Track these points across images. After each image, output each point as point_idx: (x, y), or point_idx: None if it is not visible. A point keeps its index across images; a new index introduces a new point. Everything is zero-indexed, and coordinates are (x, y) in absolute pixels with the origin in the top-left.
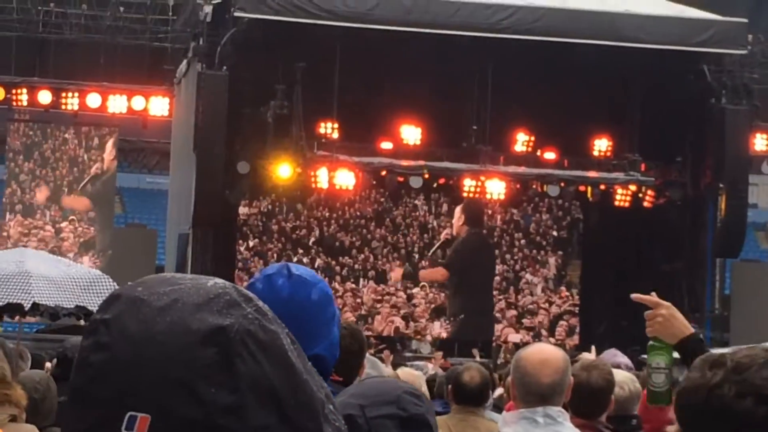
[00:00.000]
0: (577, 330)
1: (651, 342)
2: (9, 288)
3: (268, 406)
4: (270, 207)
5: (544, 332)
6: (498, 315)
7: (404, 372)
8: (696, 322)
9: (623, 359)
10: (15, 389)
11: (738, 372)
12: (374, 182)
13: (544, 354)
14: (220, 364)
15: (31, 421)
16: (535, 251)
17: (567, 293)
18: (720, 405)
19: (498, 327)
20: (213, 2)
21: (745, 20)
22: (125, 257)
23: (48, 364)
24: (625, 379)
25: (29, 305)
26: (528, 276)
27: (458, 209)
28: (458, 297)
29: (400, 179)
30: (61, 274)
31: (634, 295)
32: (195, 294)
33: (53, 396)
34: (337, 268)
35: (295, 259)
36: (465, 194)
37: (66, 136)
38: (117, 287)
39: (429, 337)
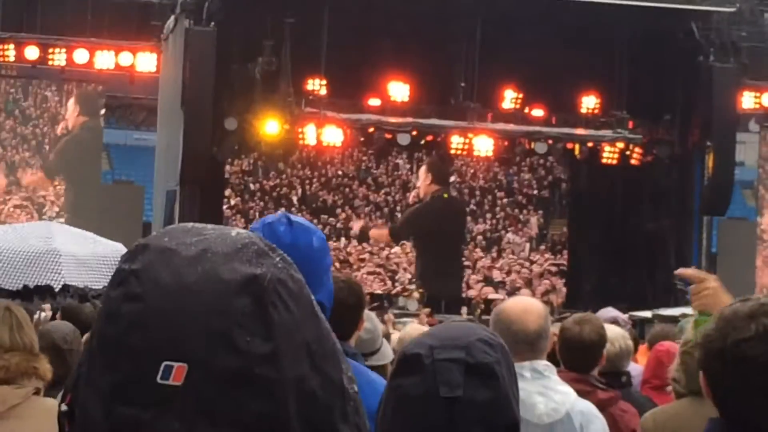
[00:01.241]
0: (564, 288)
1: (698, 317)
2: (39, 268)
3: (300, 354)
4: (252, 165)
5: (525, 291)
6: (478, 274)
7: (410, 328)
8: (683, 279)
9: (618, 313)
10: (42, 362)
11: (765, 313)
12: (362, 139)
13: (525, 303)
14: (255, 313)
15: (59, 372)
16: (517, 210)
17: (549, 252)
18: (746, 352)
19: (478, 285)
20: None
21: None
22: (113, 214)
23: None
24: (616, 335)
25: (59, 287)
26: (510, 235)
27: (423, 169)
28: (423, 260)
29: (388, 136)
30: (89, 253)
31: (678, 271)
32: (222, 244)
33: (80, 348)
34: (320, 227)
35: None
36: (453, 151)
37: (47, 93)
38: None
39: (416, 294)
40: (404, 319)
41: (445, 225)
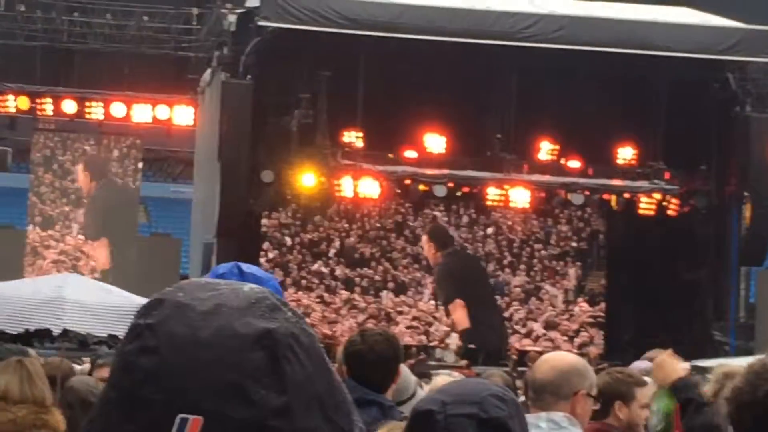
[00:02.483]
0: (602, 339)
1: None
2: (41, 313)
3: (313, 407)
4: (290, 217)
5: (563, 343)
6: (518, 326)
7: (441, 379)
8: (721, 330)
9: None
10: (53, 414)
11: None
12: (398, 191)
13: (550, 355)
14: (269, 367)
15: None
16: (554, 262)
17: (587, 303)
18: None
19: (517, 337)
20: (237, 11)
21: None
22: (150, 266)
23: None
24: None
25: (59, 331)
26: (548, 287)
27: (424, 239)
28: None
29: (424, 188)
30: (98, 301)
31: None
32: (236, 298)
33: None
34: (357, 279)
35: (314, 268)
36: (489, 203)
37: (86, 147)
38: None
39: (453, 347)
40: (442, 371)
41: (470, 277)
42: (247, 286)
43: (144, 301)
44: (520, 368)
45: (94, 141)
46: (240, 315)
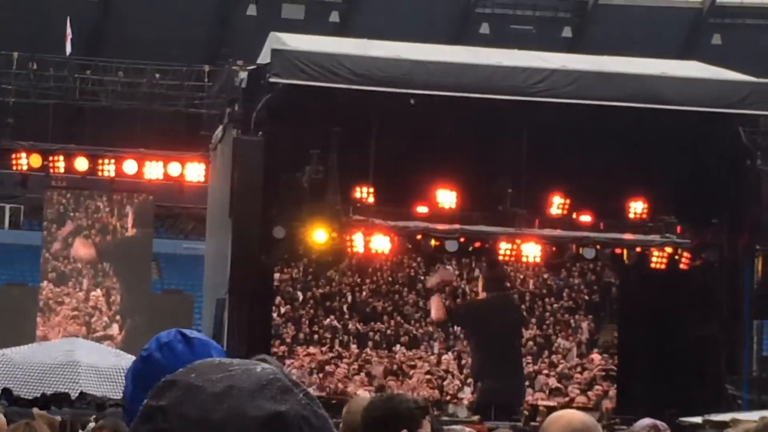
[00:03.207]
0: (614, 393)
1: None
2: (57, 377)
3: None
4: (302, 273)
5: (577, 396)
6: (530, 380)
7: None
8: (734, 384)
9: (658, 422)
10: None
11: None
12: (410, 246)
13: (561, 413)
14: None
15: None
16: (567, 315)
17: (600, 357)
18: None
19: (530, 391)
20: (248, 68)
21: None
22: (162, 323)
23: None
24: None
25: (76, 395)
26: (561, 340)
27: (481, 275)
28: (479, 359)
29: (436, 243)
30: (110, 365)
31: None
32: (247, 380)
33: None
34: (370, 333)
35: (326, 323)
36: (501, 257)
37: (98, 204)
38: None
39: (465, 401)
40: (454, 427)
41: (500, 324)
42: (260, 367)
43: None
44: (532, 423)
45: (107, 198)
46: (251, 397)
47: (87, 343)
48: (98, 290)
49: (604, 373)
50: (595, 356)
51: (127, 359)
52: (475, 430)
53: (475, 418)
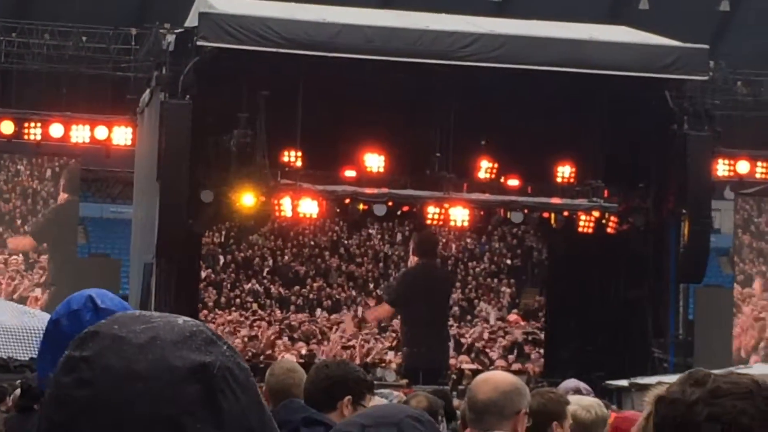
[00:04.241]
0: (541, 357)
1: None
2: None
3: None
4: (224, 237)
5: (497, 359)
6: (453, 343)
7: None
8: (660, 347)
9: (581, 384)
10: None
11: (715, 396)
12: (338, 210)
13: (489, 374)
14: (205, 400)
15: None
16: (489, 279)
17: (523, 321)
18: (692, 424)
19: (452, 354)
20: (175, 31)
21: (706, 46)
22: (89, 287)
23: (8, 398)
24: (591, 403)
25: None
26: (483, 304)
27: (411, 241)
28: (407, 328)
29: (364, 207)
30: (19, 324)
31: None
32: (170, 331)
33: None
34: (293, 298)
35: (247, 287)
36: (429, 221)
37: (19, 167)
38: None
39: (393, 365)
40: (382, 390)
41: (428, 292)
42: (181, 319)
43: None
44: (459, 387)
45: (26, 161)
46: (175, 348)
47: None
48: (20, 255)
49: (525, 337)
50: (516, 319)
51: (39, 319)
52: (403, 393)
53: (403, 382)
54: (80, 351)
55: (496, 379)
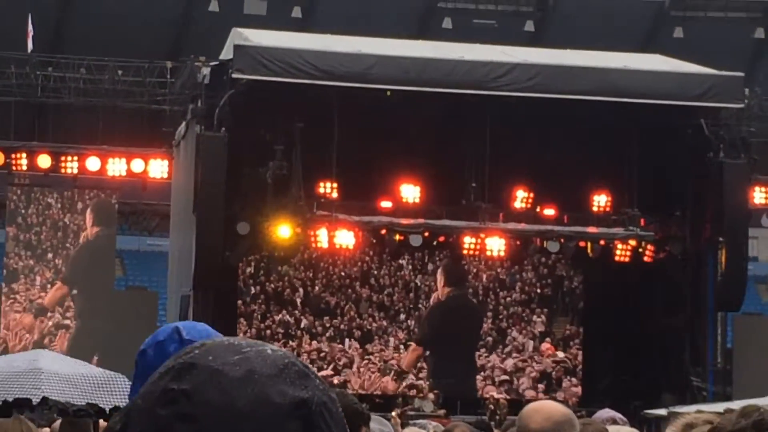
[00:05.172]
0: (578, 386)
1: None
2: (19, 384)
3: None
4: (254, 268)
5: (528, 390)
6: (485, 373)
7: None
8: (698, 376)
9: (617, 414)
10: None
11: (758, 428)
12: (374, 241)
13: (541, 404)
14: None
15: None
16: (520, 309)
17: (555, 350)
18: None
19: (481, 384)
20: (210, 64)
21: (741, 74)
22: (126, 320)
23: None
24: None
25: (38, 400)
26: (515, 334)
27: (439, 271)
28: (436, 357)
29: (400, 238)
30: (74, 372)
31: None
32: (264, 363)
33: None
34: (320, 328)
35: (278, 318)
36: (465, 251)
37: (49, 200)
38: (129, 383)
39: (431, 396)
40: (420, 421)
41: (458, 323)
42: (270, 349)
43: (115, 374)
44: (496, 416)
45: (58, 195)
46: (273, 383)
47: (51, 354)
48: (48, 287)
49: (554, 366)
50: (549, 348)
51: (91, 369)
52: (441, 424)
53: (441, 412)
54: (178, 383)
55: (549, 409)
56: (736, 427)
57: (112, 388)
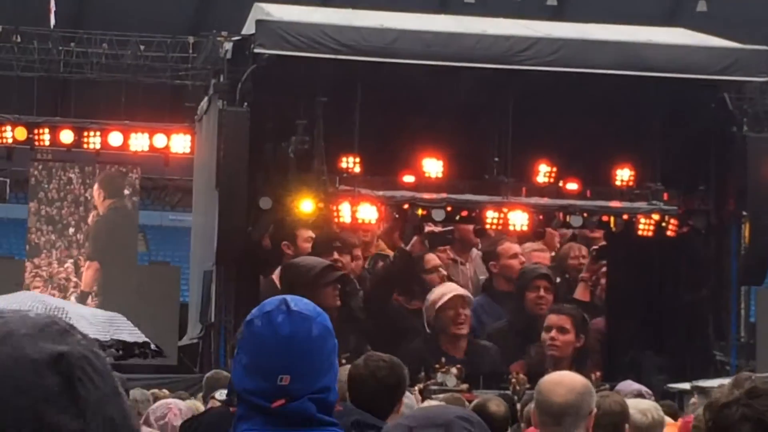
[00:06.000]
0: (601, 360)
1: None
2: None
3: (106, 429)
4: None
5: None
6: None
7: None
8: (722, 350)
9: (642, 387)
10: None
11: (750, 396)
12: (396, 216)
13: (561, 376)
14: (64, 390)
15: None
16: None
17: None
18: (725, 423)
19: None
20: (233, 39)
21: (765, 47)
22: (149, 295)
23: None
24: (648, 406)
25: None
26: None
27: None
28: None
29: (423, 212)
30: (93, 312)
31: None
32: (23, 324)
33: None
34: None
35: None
36: (488, 226)
37: (70, 175)
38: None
39: (454, 370)
40: (442, 396)
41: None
42: (32, 312)
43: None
44: (520, 389)
45: (79, 169)
46: (31, 341)
47: (42, 296)
48: (68, 262)
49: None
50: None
51: (94, 309)
52: (465, 398)
53: (464, 386)
54: None
55: (570, 381)
56: (730, 398)
57: (119, 324)
